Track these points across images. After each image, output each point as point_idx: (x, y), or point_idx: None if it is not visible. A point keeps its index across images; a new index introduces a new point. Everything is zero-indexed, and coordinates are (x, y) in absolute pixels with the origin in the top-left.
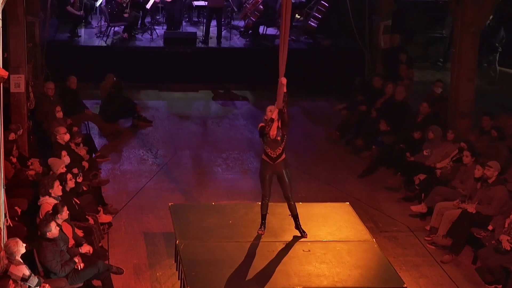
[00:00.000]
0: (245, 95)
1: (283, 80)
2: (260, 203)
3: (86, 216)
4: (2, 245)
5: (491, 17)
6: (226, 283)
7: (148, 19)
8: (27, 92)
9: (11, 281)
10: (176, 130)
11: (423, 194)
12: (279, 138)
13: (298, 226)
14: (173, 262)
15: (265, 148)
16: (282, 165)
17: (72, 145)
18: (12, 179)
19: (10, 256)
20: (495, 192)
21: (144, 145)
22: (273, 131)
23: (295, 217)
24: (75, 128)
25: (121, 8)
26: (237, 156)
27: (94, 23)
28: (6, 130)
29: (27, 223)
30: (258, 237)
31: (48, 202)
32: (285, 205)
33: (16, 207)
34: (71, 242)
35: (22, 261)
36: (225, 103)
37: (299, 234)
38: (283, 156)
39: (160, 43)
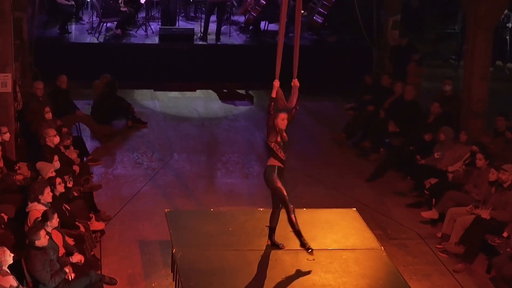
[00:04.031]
0: (245, 94)
1: (297, 82)
2: (260, 209)
3: (77, 223)
4: None
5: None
6: None
7: (142, 15)
8: (14, 92)
9: None
10: (173, 132)
11: (434, 199)
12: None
13: (271, 236)
14: (170, 271)
15: (279, 153)
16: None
17: (62, 148)
18: None
19: None
20: (511, 196)
21: (138, 148)
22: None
23: (274, 229)
24: (64, 129)
25: (114, 2)
26: (237, 159)
27: (86, 18)
28: None
29: (14, 231)
30: (260, 245)
31: (37, 209)
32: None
33: (2, 214)
34: (62, 251)
35: (9, 271)
36: (225, 103)
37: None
38: None
39: (155, 39)
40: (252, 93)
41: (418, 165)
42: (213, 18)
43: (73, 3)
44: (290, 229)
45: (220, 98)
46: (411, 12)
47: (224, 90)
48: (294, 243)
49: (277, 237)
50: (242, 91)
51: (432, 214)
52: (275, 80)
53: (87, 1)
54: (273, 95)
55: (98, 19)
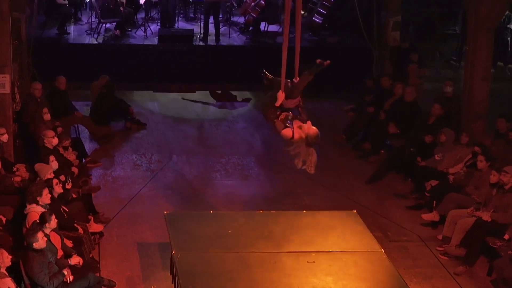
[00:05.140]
0: (245, 96)
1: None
2: (260, 211)
3: (76, 225)
4: None
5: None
6: None
7: (141, 15)
8: (12, 93)
9: None
10: (172, 133)
11: (434, 202)
12: None
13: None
14: (169, 274)
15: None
16: None
17: (60, 149)
18: None
19: None
20: None
21: (137, 150)
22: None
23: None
24: (59, 129)
25: (114, 3)
26: (237, 161)
27: (84, 19)
28: None
29: (12, 233)
30: (259, 248)
31: (35, 211)
32: (288, 213)
33: (0, 216)
34: (60, 253)
35: (7, 273)
36: (224, 105)
37: (303, 244)
38: None
39: (155, 40)
40: (251, 94)
41: (418, 167)
42: (212, 19)
43: (67, 2)
44: (290, 231)
45: (219, 99)
46: (428, 19)
47: (218, 91)
48: (293, 245)
49: (277, 238)
50: (241, 92)
51: (432, 216)
52: (280, 91)
53: (86, 2)
54: (277, 105)
55: (97, 19)
